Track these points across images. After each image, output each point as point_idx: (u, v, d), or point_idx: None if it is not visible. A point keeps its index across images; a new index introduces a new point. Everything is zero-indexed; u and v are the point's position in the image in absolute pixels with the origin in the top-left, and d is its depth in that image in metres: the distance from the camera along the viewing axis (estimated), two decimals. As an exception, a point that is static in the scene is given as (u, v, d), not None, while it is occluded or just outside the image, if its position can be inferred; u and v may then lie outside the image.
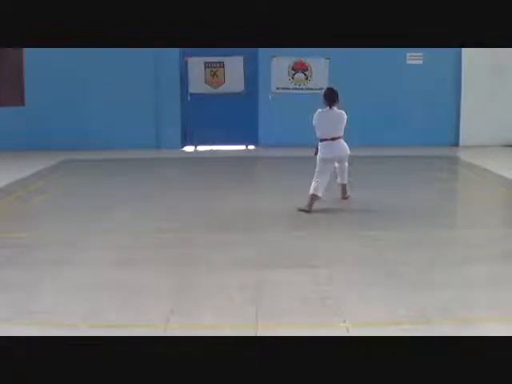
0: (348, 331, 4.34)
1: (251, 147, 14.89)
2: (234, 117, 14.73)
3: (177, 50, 14.31)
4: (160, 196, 9.39)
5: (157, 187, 10.22)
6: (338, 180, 8.59)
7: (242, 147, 14.95)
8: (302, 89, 14.56)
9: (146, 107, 14.56)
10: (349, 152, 8.28)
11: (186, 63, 14.71)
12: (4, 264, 5.98)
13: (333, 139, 8.08)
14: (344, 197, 8.60)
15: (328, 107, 8.16)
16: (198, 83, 14.76)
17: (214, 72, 14.78)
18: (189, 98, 14.79)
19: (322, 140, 8.10)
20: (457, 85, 14.58)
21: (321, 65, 14.64)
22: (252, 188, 10.11)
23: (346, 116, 8.28)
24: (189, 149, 14.95)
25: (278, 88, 14.52)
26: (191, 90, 14.79)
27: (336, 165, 8.36)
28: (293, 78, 14.59)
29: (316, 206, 7.97)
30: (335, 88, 8.49)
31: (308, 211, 7.78)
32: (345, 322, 4.50)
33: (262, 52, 14.29)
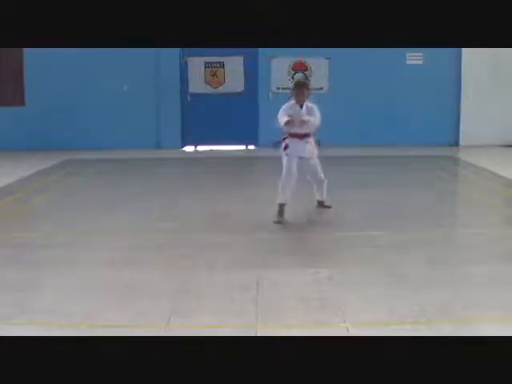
0: (348, 331, 4.34)
1: (251, 147, 14.90)
2: (233, 117, 14.74)
3: (177, 50, 14.33)
4: (160, 196, 9.39)
5: (157, 187, 10.22)
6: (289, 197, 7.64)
7: (242, 147, 14.95)
8: (301, 89, 14.57)
9: (146, 107, 14.57)
10: None
11: (186, 63, 14.72)
12: (4, 264, 5.98)
13: None
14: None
15: None
16: (197, 83, 14.77)
17: (214, 72, 14.79)
18: (189, 98, 14.79)
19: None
20: (457, 85, 14.59)
21: (321, 65, 14.65)
22: (252, 188, 10.10)
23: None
24: (189, 149, 14.95)
25: (277, 88, 14.53)
26: (191, 89, 14.80)
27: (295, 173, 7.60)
28: (293, 78, 14.59)
29: (314, 206, 8.06)
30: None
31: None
32: (345, 322, 4.50)
33: (262, 52, 14.31)
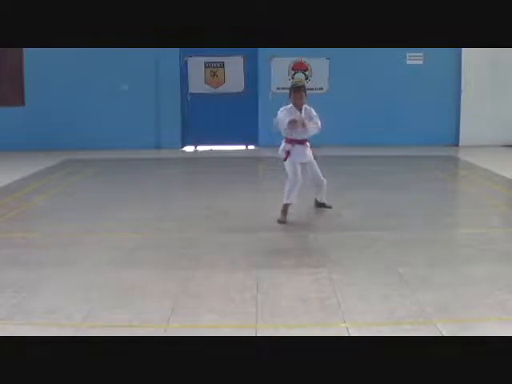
0: (348, 331, 4.34)
1: (251, 147, 14.90)
2: (233, 117, 14.74)
3: (177, 49, 14.33)
4: (160, 196, 9.39)
5: (157, 187, 10.22)
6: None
7: (242, 147, 14.95)
8: (301, 89, 14.56)
9: (146, 107, 14.57)
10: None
11: (186, 63, 14.72)
12: (4, 264, 5.98)
13: None
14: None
15: None
16: (198, 83, 14.77)
17: (214, 72, 14.79)
18: (189, 98, 14.80)
19: None
20: (457, 85, 14.59)
21: (321, 65, 14.65)
22: (252, 188, 10.10)
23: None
24: (189, 149, 14.95)
25: (278, 88, 14.53)
26: (191, 90, 14.80)
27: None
28: (293, 78, 14.59)
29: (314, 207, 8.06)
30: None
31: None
32: (345, 322, 4.50)
33: (262, 52, 14.31)
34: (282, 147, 7.61)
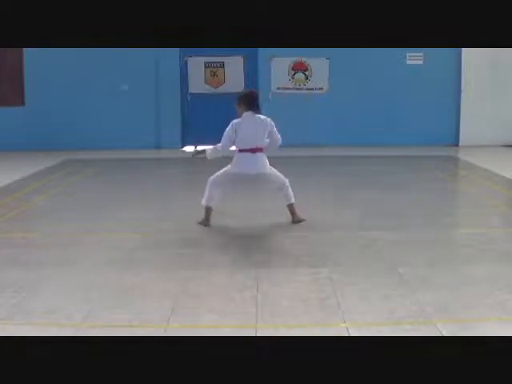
0: (348, 331, 4.34)
1: (251, 147, 14.88)
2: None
3: (177, 49, 14.33)
4: (160, 196, 9.38)
5: (157, 187, 10.21)
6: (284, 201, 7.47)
7: (242, 147, 14.93)
8: (301, 89, 14.58)
9: (146, 107, 14.57)
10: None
11: (186, 63, 14.73)
12: (4, 264, 5.98)
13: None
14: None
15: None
16: (198, 83, 14.78)
17: (214, 72, 14.80)
18: (189, 98, 14.80)
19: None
20: (457, 85, 14.59)
21: (321, 65, 14.66)
22: (252, 188, 10.10)
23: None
24: (189, 149, 14.95)
25: (278, 88, 14.52)
26: (191, 90, 14.81)
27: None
28: (293, 78, 14.60)
29: (314, 207, 7.99)
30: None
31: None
32: (345, 322, 4.50)
33: (262, 52, 14.31)
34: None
